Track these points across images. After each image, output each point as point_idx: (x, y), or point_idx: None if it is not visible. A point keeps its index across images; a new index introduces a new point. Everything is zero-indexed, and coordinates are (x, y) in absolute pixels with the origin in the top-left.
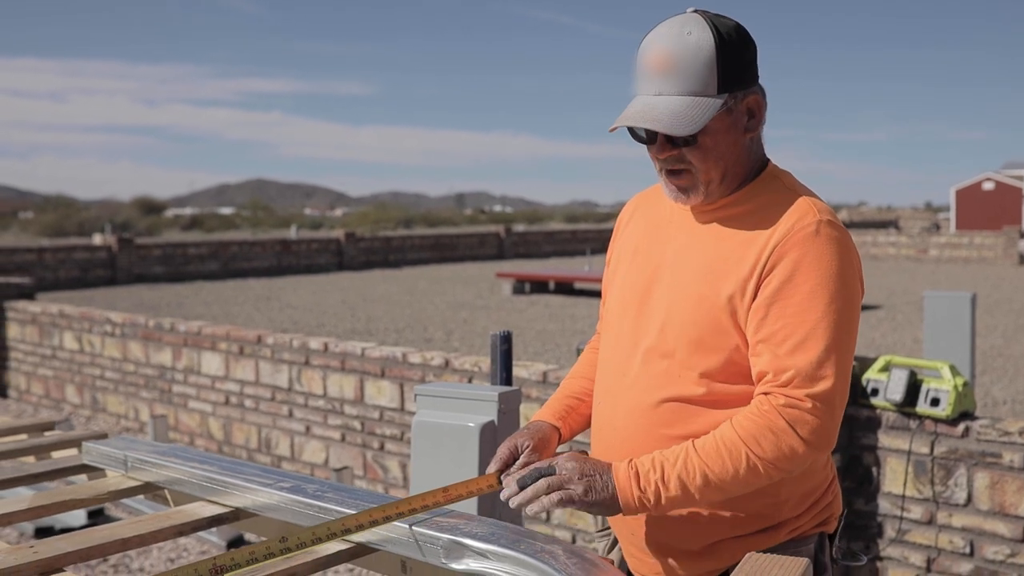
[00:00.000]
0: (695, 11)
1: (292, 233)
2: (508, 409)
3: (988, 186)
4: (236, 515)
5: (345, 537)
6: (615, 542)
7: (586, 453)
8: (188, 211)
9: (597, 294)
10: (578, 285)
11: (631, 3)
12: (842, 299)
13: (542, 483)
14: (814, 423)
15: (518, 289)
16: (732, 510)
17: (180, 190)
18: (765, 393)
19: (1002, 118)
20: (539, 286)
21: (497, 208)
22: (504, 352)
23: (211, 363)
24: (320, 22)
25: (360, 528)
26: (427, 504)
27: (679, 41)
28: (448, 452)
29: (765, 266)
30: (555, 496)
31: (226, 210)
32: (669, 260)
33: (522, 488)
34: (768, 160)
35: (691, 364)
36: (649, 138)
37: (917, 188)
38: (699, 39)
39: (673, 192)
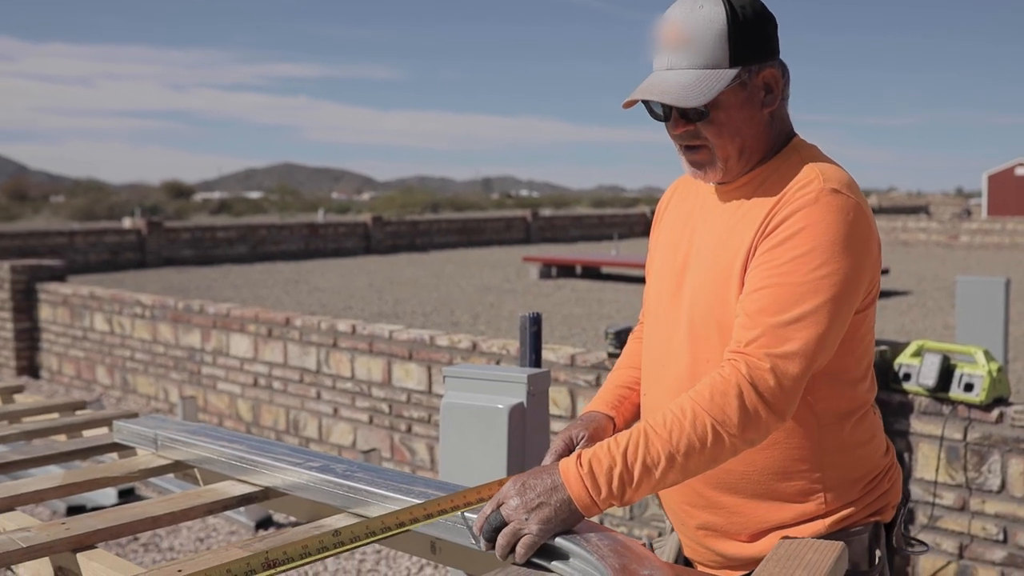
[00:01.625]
0: None
1: (319, 217)
2: (537, 391)
3: (1021, 171)
4: (265, 494)
5: (394, 532)
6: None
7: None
8: (216, 195)
9: (624, 278)
10: (605, 270)
11: None
12: (834, 265)
13: (502, 542)
14: (771, 382)
15: (545, 273)
16: (774, 499)
17: (208, 174)
18: (729, 357)
19: None
20: (566, 270)
21: (524, 192)
22: (533, 334)
23: (240, 345)
24: (345, 5)
25: (413, 522)
26: (469, 501)
27: (691, 15)
28: (477, 434)
29: (760, 233)
30: (520, 551)
31: (254, 194)
32: (696, 245)
33: (490, 544)
34: (794, 135)
35: (719, 347)
36: (664, 114)
37: (948, 173)
38: (711, 12)
39: (689, 168)
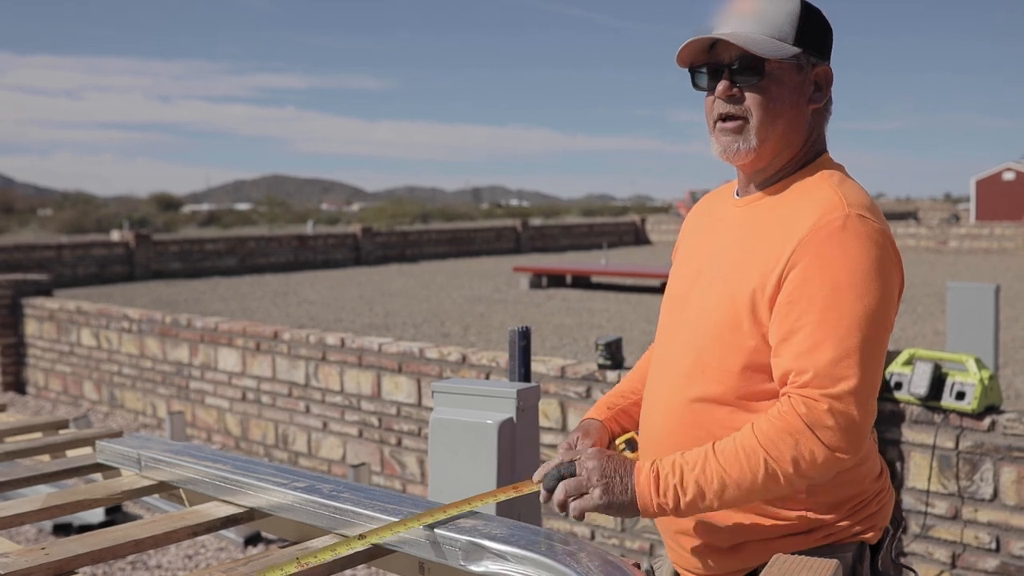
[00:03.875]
0: None
1: (309, 228)
2: (527, 406)
3: (1008, 176)
4: (251, 515)
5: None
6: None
7: (612, 448)
8: (205, 207)
9: (614, 288)
10: (595, 279)
11: None
12: (869, 295)
13: (559, 491)
14: (832, 425)
15: (535, 283)
16: (761, 512)
17: (197, 186)
18: (786, 395)
19: (1022, 108)
20: (556, 280)
21: (514, 202)
22: (523, 348)
23: (228, 359)
24: (332, 16)
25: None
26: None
27: None
28: (466, 449)
29: (788, 261)
30: (574, 507)
31: (243, 206)
32: (710, 256)
33: (548, 491)
34: (824, 152)
35: (715, 362)
36: (714, 77)
37: (936, 179)
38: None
39: (722, 142)
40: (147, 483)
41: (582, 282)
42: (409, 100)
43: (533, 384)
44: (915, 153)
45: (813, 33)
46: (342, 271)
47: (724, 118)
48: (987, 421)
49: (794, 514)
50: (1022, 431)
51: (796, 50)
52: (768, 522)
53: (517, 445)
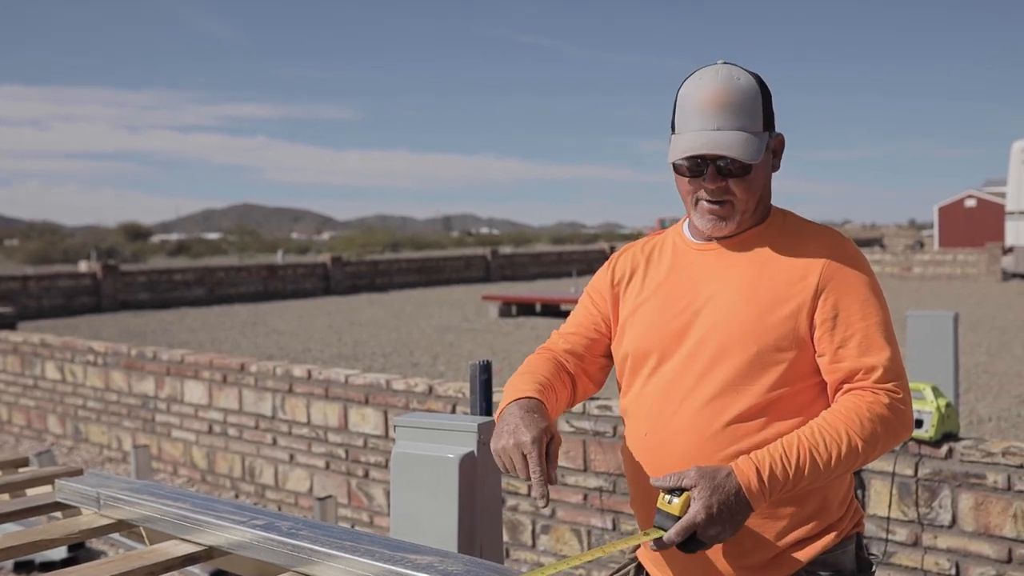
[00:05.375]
0: (725, 63)
1: (278, 258)
2: (488, 440)
3: (970, 203)
4: (209, 553)
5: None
6: (639, 569)
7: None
8: (174, 237)
9: None
10: (564, 307)
11: (611, 27)
12: (883, 300)
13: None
14: (905, 409)
15: (504, 312)
16: (791, 518)
17: (166, 216)
18: (861, 388)
19: (984, 136)
20: (525, 308)
21: (484, 230)
22: (483, 382)
23: (194, 392)
24: (299, 47)
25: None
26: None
27: (733, 84)
28: (428, 483)
29: (818, 286)
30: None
31: (213, 235)
32: (704, 294)
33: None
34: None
35: (750, 382)
36: (699, 171)
37: (902, 205)
38: (748, 83)
39: (711, 221)
40: (106, 522)
41: (552, 310)
42: (379, 129)
43: (493, 418)
44: (881, 181)
45: (769, 112)
46: (312, 301)
47: (713, 202)
48: (945, 448)
49: (815, 516)
50: (978, 458)
51: (767, 137)
52: (796, 526)
53: (478, 479)
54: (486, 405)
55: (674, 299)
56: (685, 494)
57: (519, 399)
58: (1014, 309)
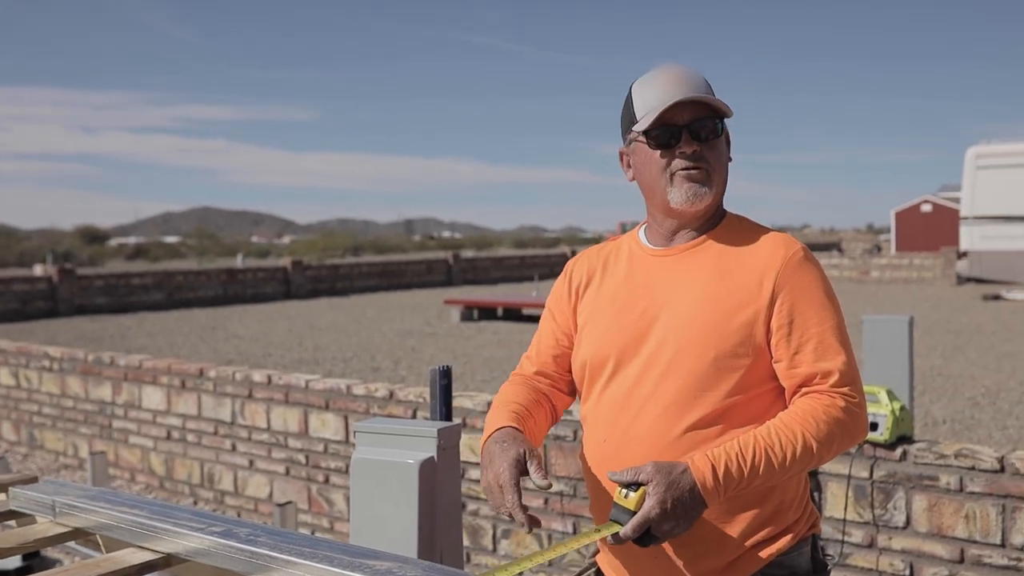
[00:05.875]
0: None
1: (239, 262)
2: (448, 445)
3: (926, 208)
4: (167, 561)
5: None
6: (598, 574)
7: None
8: (133, 240)
9: None
10: (526, 311)
11: (568, 28)
12: (837, 305)
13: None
14: (864, 412)
15: (466, 316)
16: (748, 522)
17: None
18: (818, 392)
19: (943, 139)
20: (487, 312)
21: (446, 234)
22: (443, 387)
23: (152, 397)
24: (256, 48)
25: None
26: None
27: (690, 70)
28: (388, 489)
29: (773, 291)
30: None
31: (171, 239)
32: (661, 300)
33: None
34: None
35: (708, 387)
36: (669, 142)
37: (859, 210)
38: (701, 74)
39: (692, 189)
40: (62, 530)
41: (513, 314)
42: (338, 131)
43: (455, 423)
44: (839, 185)
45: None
46: (272, 305)
47: (691, 167)
48: (899, 451)
49: (772, 518)
50: (932, 460)
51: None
52: (753, 528)
53: (438, 484)
54: (446, 410)
55: (631, 305)
56: (641, 489)
57: (493, 433)
58: (968, 313)
